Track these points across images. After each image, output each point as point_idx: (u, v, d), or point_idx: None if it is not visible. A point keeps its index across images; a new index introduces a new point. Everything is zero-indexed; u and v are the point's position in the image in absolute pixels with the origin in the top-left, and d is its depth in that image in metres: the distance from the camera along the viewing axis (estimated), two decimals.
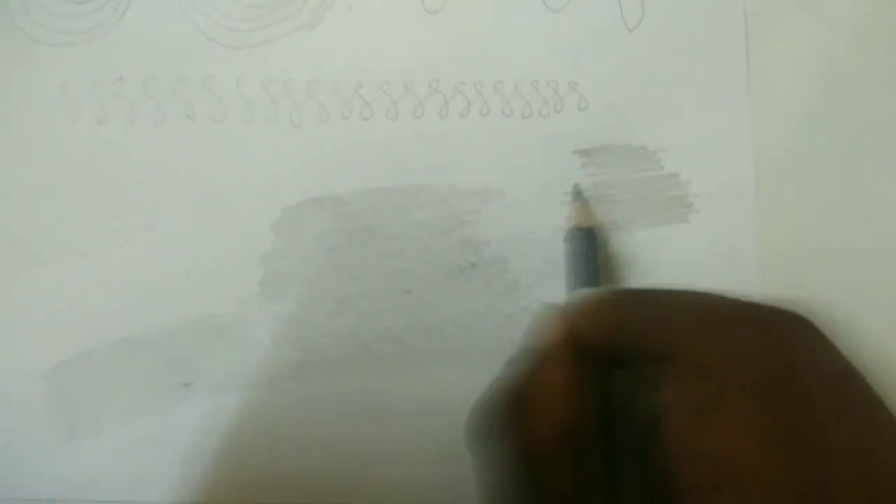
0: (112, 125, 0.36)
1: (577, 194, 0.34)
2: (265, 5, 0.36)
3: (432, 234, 0.35)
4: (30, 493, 0.34)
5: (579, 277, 0.32)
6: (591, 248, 0.33)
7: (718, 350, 0.19)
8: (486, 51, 0.36)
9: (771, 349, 0.19)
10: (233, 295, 0.35)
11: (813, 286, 0.34)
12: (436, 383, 0.34)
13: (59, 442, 0.34)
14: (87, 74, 0.36)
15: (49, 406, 0.34)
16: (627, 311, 0.22)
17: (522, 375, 0.23)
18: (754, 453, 0.18)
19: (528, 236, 0.35)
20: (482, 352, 0.34)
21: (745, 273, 0.34)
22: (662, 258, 0.34)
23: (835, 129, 0.35)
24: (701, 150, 0.35)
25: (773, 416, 0.18)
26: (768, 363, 0.19)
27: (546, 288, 0.34)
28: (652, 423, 0.19)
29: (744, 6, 0.35)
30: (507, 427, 0.22)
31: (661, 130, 0.35)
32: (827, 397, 0.18)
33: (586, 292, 0.26)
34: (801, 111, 0.35)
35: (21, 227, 0.35)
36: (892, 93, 0.35)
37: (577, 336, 0.22)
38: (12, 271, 0.35)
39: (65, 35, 0.36)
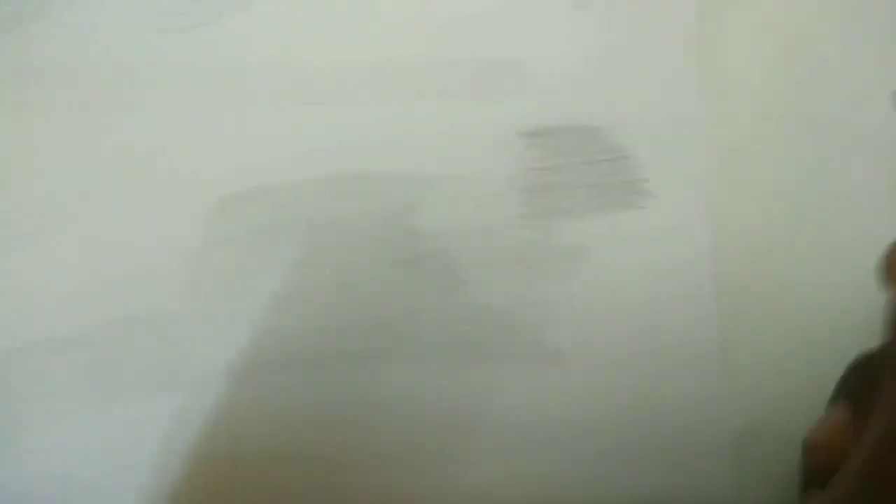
0: (33, 116, 0.34)
1: None
2: None
3: (373, 224, 0.33)
4: None
5: None
6: None
7: None
8: (428, 31, 0.34)
9: None
10: (162, 292, 0.33)
11: (770, 272, 0.32)
12: (378, 382, 0.32)
13: None
14: (8, 64, 0.34)
15: None
16: None
17: None
18: None
19: (475, 225, 0.33)
20: (427, 347, 0.32)
21: (701, 260, 0.32)
22: (615, 246, 0.32)
23: (797, 106, 0.33)
24: (655, 129, 0.33)
25: None
26: None
27: (494, 279, 0.32)
28: None
29: None
30: None
31: (612, 110, 0.33)
32: None
33: None
34: (759, 87, 0.33)
35: None
36: (861, 67, 0.33)
37: None
38: None
39: None
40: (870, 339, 0.31)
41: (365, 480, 0.32)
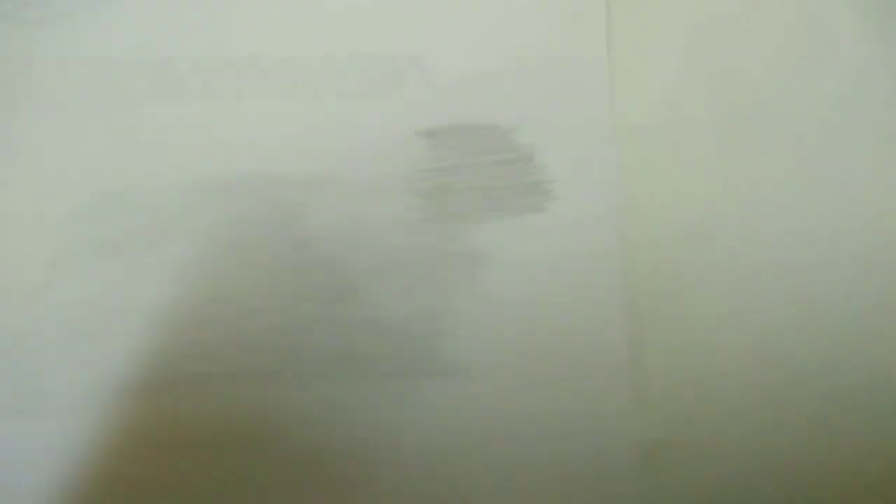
0: None
1: None
2: None
3: (252, 230, 0.30)
4: None
5: None
6: None
7: None
8: (315, 20, 0.31)
9: None
10: (13, 309, 0.30)
11: (680, 278, 0.30)
12: (263, 402, 0.29)
13: None
14: None
15: None
16: None
17: None
18: None
19: (366, 231, 0.30)
20: (312, 366, 0.29)
21: (607, 266, 0.30)
22: (516, 252, 0.30)
23: (705, 103, 0.32)
24: (558, 128, 0.31)
25: None
26: None
27: (387, 289, 0.30)
28: None
29: None
30: None
31: (515, 107, 0.31)
32: None
33: None
34: (667, 81, 0.32)
35: None
36: (767, 60, 0.32)
37: None
38: None
39: None
40: (783, 347, 0.30)
41: None
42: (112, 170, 0.30)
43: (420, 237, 0.30)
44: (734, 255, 0.30)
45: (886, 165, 0.31)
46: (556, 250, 0.30)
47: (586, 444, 0.29)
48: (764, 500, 0.29)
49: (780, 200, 0.31)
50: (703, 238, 0.30)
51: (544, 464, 0.29)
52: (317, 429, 0.29)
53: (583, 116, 0.31)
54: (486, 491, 0.29)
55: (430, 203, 0.30)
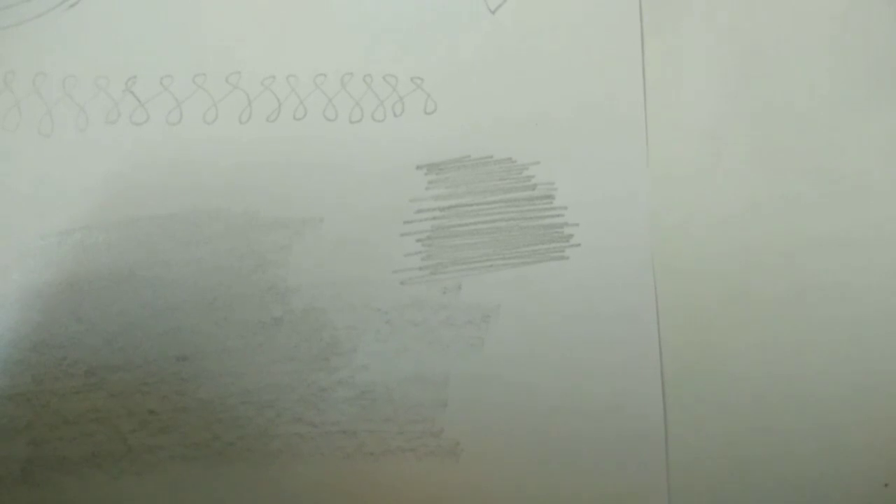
0: None
1: None
2: None
3: (223, 278, 0.26)
4: None
5: None
6: None
7: None
8: (303, 35, 0.27)
9: None
10: None
11: (715, 339, 0.25)
12: (216, 489, 0.25)
13: None
14: None
15: None
16: None
17: None
18: None
19: (355, 280, 0.26)
20: (284, 441, 0.25)
21: (638, 326, 0.25)
22: (532, 305, 0.25)
23: (746, 143, 0.27)
24: (583, 164, 0.27)
25: None
26: None
27: (378, 350, 0.25)
28: None
29: None
30: None
31: (532, 139, 0.27)
32: None
33: None
34: (705, 120, 0.27)
35: None
36: (810, 98, 0.28)
37: None
38: None
39: None
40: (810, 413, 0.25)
41: None
42: (61, 203, 0.26)
43: (418, 288, 0.26)
44: (778, 314, 0.25)
45: None
46: (579, 306, 0.25)
47: None
48: None
49: (828, 252, 0.26)
50: (745, 295, 0.25)
51: None
52: None
53: (613, 153, 0.26)
54: None
55: (432, 248, 0.26)
